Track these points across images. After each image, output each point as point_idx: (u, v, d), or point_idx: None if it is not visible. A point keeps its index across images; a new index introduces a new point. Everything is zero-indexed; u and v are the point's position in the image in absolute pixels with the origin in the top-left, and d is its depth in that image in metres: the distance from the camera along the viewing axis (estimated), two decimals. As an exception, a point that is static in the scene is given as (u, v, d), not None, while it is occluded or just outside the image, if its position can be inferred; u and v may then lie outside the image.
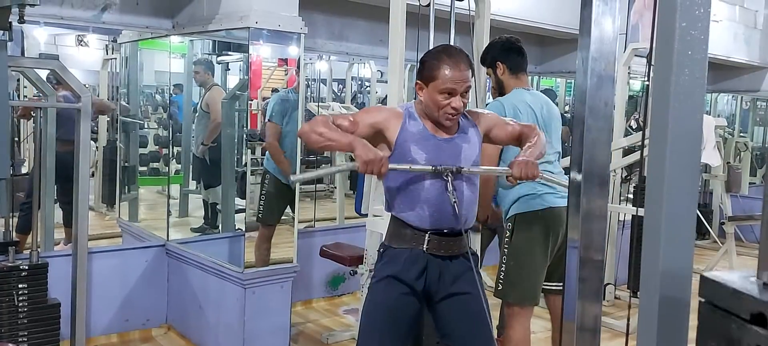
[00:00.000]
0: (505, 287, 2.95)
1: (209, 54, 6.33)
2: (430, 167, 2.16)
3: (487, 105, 3.22)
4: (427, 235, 2.23)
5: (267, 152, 4.41)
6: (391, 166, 2.11)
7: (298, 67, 3.93)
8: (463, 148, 2.25)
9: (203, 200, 6.04)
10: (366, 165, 2.05)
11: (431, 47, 3.09)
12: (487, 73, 3.19)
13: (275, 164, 4.27)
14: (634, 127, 7.92)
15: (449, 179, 2.15)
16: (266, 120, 4.30)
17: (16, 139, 6.27)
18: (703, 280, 0.85)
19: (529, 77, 3.59)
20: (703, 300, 0.86)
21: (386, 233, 2.34)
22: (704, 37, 0.90)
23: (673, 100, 0.90)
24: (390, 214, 2.33)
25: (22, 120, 6.23)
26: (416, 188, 2.21)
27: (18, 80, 6.23)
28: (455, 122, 2.25)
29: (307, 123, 2.23)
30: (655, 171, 0.95)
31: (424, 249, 2.23)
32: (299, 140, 3.84)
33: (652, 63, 1.01)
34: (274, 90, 7.04)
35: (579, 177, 1.28)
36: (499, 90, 3.09)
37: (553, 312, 3.14)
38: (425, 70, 2.20)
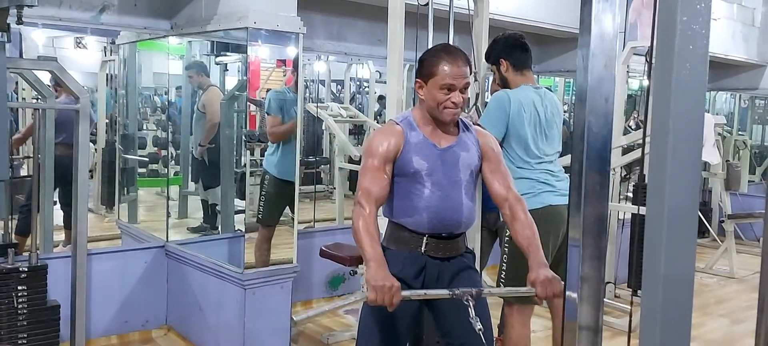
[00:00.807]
0: (505, 287, 2.94)
1: (207, 55, 6.32)
2: (447, 293, 2.03)
3: (488, 104, 3.21)
4: (424, 238, 2.24)
5: (267, 152, 4.42)
6: (403, 294, 1.98)
7: (297, 67, 3.93)
8: (461, 157, 2.26)
9: (202, 200, 6.04)
10: (375, 292, 1.94)
11: (430, 46, 3.09)
12: (491, 70, 3.18)
13: (275, 164, 4.26)
14: (632, 127, 7.91)
15: (470, 304, 2.00)
16: (266, 114, 4.34)
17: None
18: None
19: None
20: None
21: (384, 235, 2.35)
22: (705, 32, 0.89)
23: (674, 95, 0.90)
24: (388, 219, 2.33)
25: (20, 122, 6.24)
26: (416, 196, 2.22)
27: (16, 82, 6.23)
28: (455, 120, 2.26)
29: (354, 210, 2.16)
30: (656, 164, 0.94)
31: (423, 251, 2.24)
32: (298, 140, 3.86)
33: (653, 59, 1.01)
34: (269, 91, 7.03)
35: (579, 176, 1.27)
36: (504, 86, 3.08)
37: (554, 311, 3.14)
38: (424, 68, 2.22)
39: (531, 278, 2.07)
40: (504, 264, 2.96)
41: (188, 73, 5.75)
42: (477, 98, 3.34)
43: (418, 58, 2.37)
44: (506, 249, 2.96)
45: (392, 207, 2.28)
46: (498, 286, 2.99)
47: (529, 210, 2.87)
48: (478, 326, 1.97)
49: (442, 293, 2.04)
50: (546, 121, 2.99)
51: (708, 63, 0.93)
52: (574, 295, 1.28)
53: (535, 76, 6.85)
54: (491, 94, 3.25)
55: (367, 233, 2.08)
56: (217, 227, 5.77)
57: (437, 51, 2.24)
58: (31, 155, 4.84)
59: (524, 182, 2.88)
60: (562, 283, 2.01)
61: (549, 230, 2.88)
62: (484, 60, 3.24)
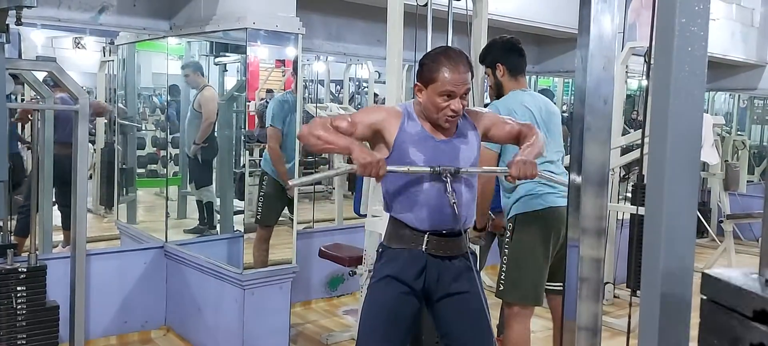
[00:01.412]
0: (506, 288, 2.94)
1: (206, 55, 6.32)
2: (429, 168, 2.15)
3: (486, 106, 3.21)
4: (426, 235, 2.23)
5: (265, 153, 4.41)
6: (389, 168, 2.10)
7: (296, 67, 3.93)
8: (461, 150, 2.24)
9: (197, 201, 6.03)
10: (364, 168, 2.05)
11: (429, 47, 3.09)
12: (485, 73, 3.17)
13: (274, 168, 4.26)
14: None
15: (448, 180, 2.14)
16: (267, 125, 4.26)
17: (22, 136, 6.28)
18: (705, 277, 0.85)
19: (527, 77, 3.59)
20: (705, 298, 0.85)
21: (385, 234, 2.34)
22: (704, 33, 0.89)
23: (673, 96, 0.90)
24: (388, 215, 2.32)
25: (19, 123, 6.23)
26: (415, 189, 2.21)
27: (22, 84, 6.22)
28: (454, 126, 2.25)
29: (306, 126, 2.22)
30: (655, 168, 0.95)
31: (423, 249, 2.23)
32: (297, 141, 3.85)
33: (651, 60, 1.01)
34: (269, 91, 7.03)
35: (578, 176, 1.27)
36: (497, 91, 3.07)
37: (554, 312, 3.14)
38: (424, 72, 2.19)
39: (509, 161, 2.21)
40: (504, 265, 2.96)
41: (184, 73, 5.74)
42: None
43: (416, 58, 2.37)
44: (506, 251, 2.96)
45: (392, 201, 2.27)
46: (498, 287, 2.98)
47: (532, 211, 2.88)
48: (453, 200, 2.14)
49: (424, 169, 2.16)
50: (542, 121, 2.99)
51: (706, 64, 0.93)
52: (574, 295, 1.28)
53: (535, 76, 6.90)
54: (488, 96, 3.25)
55: (333, 133, 2.14)
56: (212, 227, 5.77)
57: (438, 55, 2.20)
58: (31, 156, 4.84)
59: (526, 185, 2.87)
60: (536, 165, 2.17)
61: (550, 231, 2.88)
62: (479, 62, 3.24)
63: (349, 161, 2.15)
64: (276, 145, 4.18)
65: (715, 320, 0.83)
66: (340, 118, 2.22)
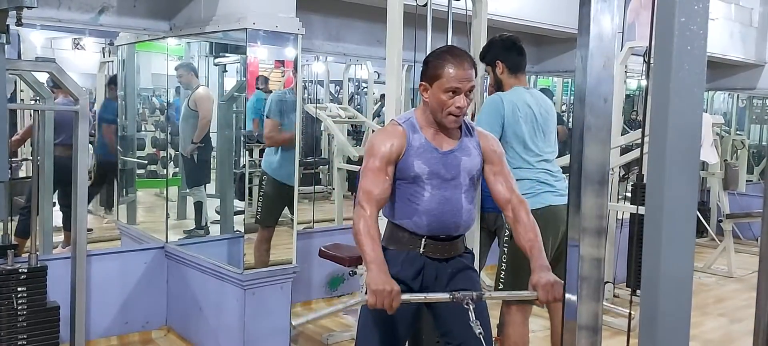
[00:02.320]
0: (504, 287, 2.95)
1: (206, 56, 6.32)
2: (449, 296, 2.03)
3: (482, 107, 3.21)
4: (423, 239, 2.24)
5: (265, 153, 4.41)
6: (403, 298, 1.99)
7: (296, 68, 3.94)
8: (462, 161, 2.25)
9: (193, 201, 6.03)
10: (375, 296, 1.95)
11: (428, 47, 3.10)
12: (486, 71, 3.19)
13: (274, 165, 4.26)
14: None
15: (470, 307, 2.01)
16: (265, 117, 4.30)
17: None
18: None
19: (527, 76, 3.60)
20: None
21: (383, 236, 2.35)
22: (703, 33, 0.90)
23: (672, 95, 0.90)
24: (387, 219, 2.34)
25: (18, 125, 6.24)
26: (416, 198, 2.22)
27: (15, 83, 6.22)
28: (458, 123, 2.25)
29: (356, 211, 2.15)
30: (655, 167, 0.95)
31: (421, 252, 2.25)
32: (297, 143, 3.86)
33: (651, 60, 1.01)
34: (268, 91, 7.04)
35: (578, 176, 1.28)
36: (498, 88, 3.09)
37: (552, 311, 3.14)
38: (429, 70, 2.20)
39: (533, 281, 2.06)
40: (503, 264, 2.96)
41: (177, 73, 5.73)
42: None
43: (416, 58, 2.37)
44: (505, 250, 2.96)
45: (393, 208, 2.28)
46: (497, 286, 2.99)
47: (530, 210, 2.88)
48: (479, 330, 1.98)
49: (443, 296, 2.04)
50: (542, 119, 3.00)
51: (706, 64, 0.93)
52: (574, 295, 1.28)
53: (534, 76, 6.91)
54: (488, 94, 3.26)
55: (368, 236, 2.08)
56: (200, 228, 5.76)
57: (442, 53, 2.21)
58: (30, 157, 4.85)
59: (524, 183, 2.88)
60: (563, 286, 2.03)
61: (548, 230, 2.89)
62: (479, 59, 3.25)
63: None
64: (274, 133, 4.20)
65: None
66: (373, 181, 2.15)
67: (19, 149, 6.30)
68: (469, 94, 2.18)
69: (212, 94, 5.91)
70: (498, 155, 2.33)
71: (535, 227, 2.22)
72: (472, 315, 1.99)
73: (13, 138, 5.43)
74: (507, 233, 2.97)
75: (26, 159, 6.29)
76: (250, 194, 5.11)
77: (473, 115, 3.27)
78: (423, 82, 2.23)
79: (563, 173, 3.10)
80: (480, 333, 2.00)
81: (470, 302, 1.99)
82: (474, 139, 2.31)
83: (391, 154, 2.19)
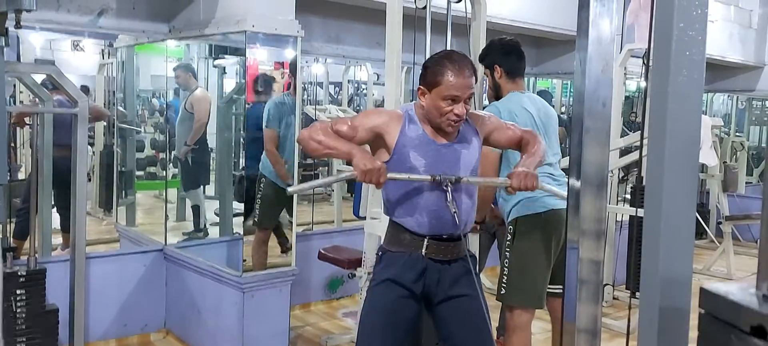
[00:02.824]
0: (508, 292, 2.93)
1: (205, 58, 6.33)
2: (429, 177, 2.14)
3: (484, 107, 3.21)
4: (425, 240, 2.23)
5: (263, 155, 4.41)
6: (389, 175, 2.09)
7: (295, 70, 3.93)
8: (462, 154, 2.24)
9: (191, 204, 6.03)
10: (364, 174, 2.04)
11: (428, 49, 3.10)
12: (484, 74, 3.18)
13: (272, 167, 4.26)
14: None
15: (449, 189, 2.13)
16: (264, 127, 4.26)
17: (13, 144, 6.26)
18: (703, 292, 0.85)
19: (526, 79, 3.59)
20: (703, 312, 0.86)
21: (384, 237, 2.34)
22: (702, 38, 0.90)
23: (671, 100, 0.90)
24: (388, 218, 2.32)
25: (17, 127, 6.23)
26: (415, 195, 2.21)
27: (14, 86, 6.22)
28: (457, 130, 2.23)
29: (306, 129, 2.21)
30: (653, 171, 0.95)
31: (423, 253, 2.23)
32: (297, 145, 3.85)
33: (650, 63, 1.01)
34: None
35: (577, 178, 1.28)
36: (496, 92, 3.08)
37: (554, 314, 3.13)
38: (428, 76, 2.18)
39: (510, 172, 2.20)
40: (506, 269, 2.95)
41: (175, 74, 5.73)
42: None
43: (415, 60, 2.37)
44: (508, 254, 2.95)
45: (392, 206, 2.27)
46: (499, 292, 2.97)
47: (532, 214, 2.88)
48: (454, 209, 2.14)
49: (425, 178, 2.15)
50: (541, 123, 2.99)
51: (705, 68, 0.94)
52: (573, 297, 1.28)
53: (533, 78, 6.90)
54: (487, 96, 3.25)
55: (331, 137, 2.13)
56: (198, 230, 5.76)
57: (442, 59, 2.18)
58: (30, 158, 4.84)
59: None
60: (536, 177, 2.16)
61: (551, 233, 2.88)
62: (478, 61, 3.25)
63: (350, 164, 2.14)
64: (273, 146, 4.17)
65: (713, 335, 0.83)
66: (341, 122, 2.22)
67: (18, 152, 6.30)
68: (469, 101, 2.17)
69: (210, 96, 5.90)
70: (495, 122, 2.39)
71: (540, 144, 2.32)
72: (449, 195, 2.14)
73: (12, 118, 5.41)
74: (508, 237, 2.95)
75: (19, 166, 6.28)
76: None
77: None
78: (421, 87, 2.21)
79: (565, 175, 3.09)
80: (455, 213, 2.14)
81: (449, 183, 2.14)
82: (471, 127, 2.30)
83: (376, 125, 2.21)
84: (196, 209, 5.86)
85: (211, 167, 6.13)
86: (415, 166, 2.18)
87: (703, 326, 0.86)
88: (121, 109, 5.72)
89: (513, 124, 2.45)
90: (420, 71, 2.27)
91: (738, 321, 0.79)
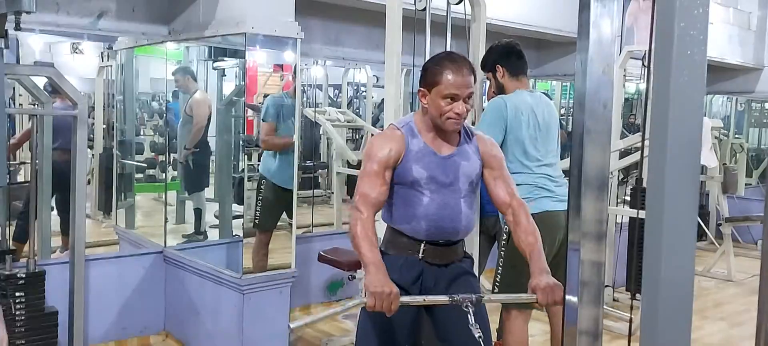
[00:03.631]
0: (501, 289, 2.95)
1: (205, 60, 6.33)
2: (447, 299, 2.04)
3: (485, 110, 3.21)
4: (422, 244, 2.24)
5: (263, 157, 4.41)
6: (402, 300, 1.98)
7: (295, 72, 3.94)
8: (461, 166, 2.25)
9: (193, 207, 6.03)
10: (374, 299, 1.94)
11: (427, 52, 3.10)
12: (486, 78, 3.19)
13: (272, 169, 4.26)
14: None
15: (470, 311, 2.02)
16: (261, 120, 4.31)
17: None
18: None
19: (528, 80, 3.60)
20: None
21: (382, 240, 2.35)
22: (703, 38, 0.90)
23: (672, 100, 0.90)
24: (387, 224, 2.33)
25: (17, 130, 6.23)
26: (415, 203, 2.22)
27: (13, 88, 6.22)
28: (457, 130, 2.25)
29: (352, 215, 2.16)
30: (655, 173, 0.95)
31: (420, 257, 2.24)
32: (296, 147, 3.86)
33: (650, 65, 1.01)
34: (265, 96, 7.05)
35: (578, 180, 1.27)
36: (500, 93, 3.10)
37: (552, 316, 3.14)
38: (428, 76, 2.20)
39: (532, 284, 2.06)
40: (500, 268, 2.96)
41: (175, 78, 5.73)
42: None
43: (415, 62, 2.37)
44: (502, 253, 2.96)
45: (391, 213, 2.28)
46: (493, 289, 2.98)
47: None
48: (478, 333, 1.99)
49: (442, 299, 2.04)
50: (544, 123, 3.00)
51: (706, 68, 0.93)
52: (574, 299, 1.28)
53: (533, 80, 6.91)
54: (488, 100, 3.26)
55: (365, 238, 2.08)
56: (199, 233, 5.75)
57: (441, 59, 2.21)
58: (28, 161, 4.83)
59: (523, 188, 2.88)
60: (563, 289, 2.03)
61: (545, 235, 2.87)
62: (480, 69, 3.26)
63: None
64: (269, 136, 4.22)
65: None
66: (370, 184, 2.16)
67: (17, 153, 6.30)
68: (468, 100, 2.19)
69: (209, 98, 5.90)
70: (497, 160, 2.33)
71: (535, 230, 2.22)
72: (471, 318, 2.00)
73: (10, 142, 5.43)
74: (504, 235, 2.96)
75: (24, 163, 6.28)
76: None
77: (473, 123, 3.27)
78: (422, 88, 2.23)
79: (565, 176, 3.09)
80: (480, 337, 2.01)
81: (470, 304, 2.00)
82: (473, 145, 2.31)
83: (389, 158, 2.19)
84: (198, 212, 5.86)
85: (211, 170, 6.13)
86: (417, 179, 2.20)
87: None
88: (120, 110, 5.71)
89: (511, 179, 2.36)
90: (420, 73, 2.28)
91: None
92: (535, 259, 2.15)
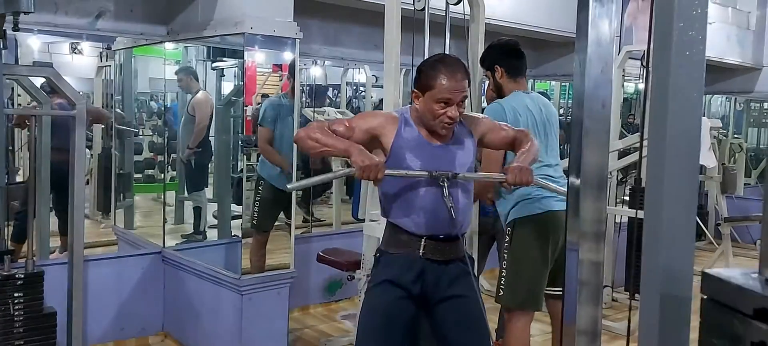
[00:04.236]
0: (505, 293, 2.93)
1: (204, 60, 6.32)
2: (426, 173, 2.16)
3: (483, 109, 3.21)
4: (422, 240, 2.24)
5: (261, 158, 4.40)
6: (387, 172, 2.10)
7: (293, 72, 3.93)
8: (457, 155, 2.26)
9: (194, 207, 6.03)
10: (362, 170, 2.05)
11: (426, 51, 3.10)
12: (485, 75, 3.19)
13: (270, 170, 4.26)
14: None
15: (445, 185, 2.15)
16: (257, 125, 4.30)
17: (11, 147, 6.24)
18: (706, 277, 0.85)
19: (527, 80, 3.60)
20: (705, 297, 0.86)
21: (382, 239, 2.35)
22: (702, 38, 0.90)
23: (671, 100, 0.90)
24: (386, 219, 2.33)
25: (16, 129, 6.22)
26: (412, 194, 2.22)
27: (12, 89, 6.21)
28: (450, 132, 2.25)
29: (303, 129, 2.23)
30: (654, 172, 0.95)
31: (421, 254, 2.24)
32: (295, 146, 3.85)
33: (649, 65, 1.01)
34: (264, 96, 7.04)
35: (577, 180, 1.27)
36: (498, 93, 3.08)
37: (554, 316, 3.13)
38: (422, 79, 2.21)
39: (505, 167, 2.24)
40: (504, 270, 2.95)
41: (178, 77, 5.74)
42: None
43: (414, 62, 2.37)
44: (506, 254, 2.95)
45: (389, 206, 2.27)
46: (498, 293, 2.97)
47: (530, 216, 2.88)
48: (449, 204, 2.14)
49: (422, 173, 2.16)
50: (542, 123, 2.99)
51: (705, 68, 0.93)
52: (573, 299, 1.28)
53: (532, 80, 6.91)
54: (487, 99, 3.25)
55: (330, 136, 2.15)
56: (198, 233, 5.75)
57: (435, 63, 2.21)
58: (27, 161, 4.82)
59: (525, 188, 2.87)
60: (532, 172, 2.18)
61: (549, 235, 2.87)
62: (479, 65, 3.25)
63: (348, 164, 2.14)
64: (265, 144, 4.21)
65: (716, 319, 0.83)
66: (338, 122, 2.24)
67: (16, 155, 6.28)
68: (462, 104, 2.20)
69: (212, 98, 5.90)
70: (489, 123, 2.41)
71: (533, 142, 2.33)
72: (445, 191, 2.15)
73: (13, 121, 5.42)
74: (507, 239, 2.95)
75: (21, 168, 6.27)
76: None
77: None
78: (415, 90, 2.23)
79: (565, 177, 3.09)
80: (451, 207, 2.14)
81: (446, 179, 2.15)
82: (465, 128, 2.32)
83: (372, 127, 2.24)
84: (198, 211, 5.86)
85: (210, 170, 6.13)
86: (411, 167, 2.20)
87: (705, 310, 0.86)
88: (119, 111, 5.71)
89: (506, 125, 2.48)
90: (414, 74, 2.30)
91: (741, 305, 0.79)
92: (520, 151, 2.29)
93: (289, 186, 2.38)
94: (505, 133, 2.41)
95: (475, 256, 3.18)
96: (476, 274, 2.88)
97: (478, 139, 2.35)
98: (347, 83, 9.29)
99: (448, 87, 2.14)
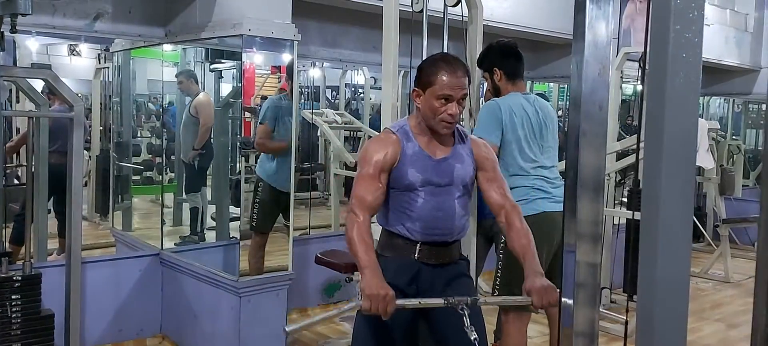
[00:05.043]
0: (500, 292, 2.94)
1: (202, 62, 6.32)
2: (442, 301, 2.04)
3: (479, 114, 3.21)
4: (418, 245, 2.24)
5: (260, 159, 4.41)
6: (398, 302, 1.98)
7: (291, 74, 3.94)
8: (455, 168, 2.26)
9: (189, 207, 6.02)
10: (369, 301, 1.94)
11: (424, 53, 3.10)
12: (483, 76, 3.19)
13: (269, 170, 4.26)
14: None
15: (465, 313, 2.02)
16: (258, 123, 4.32)
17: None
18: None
19: (525, 82, 3.60)
20: None
21: (378, 243, 2.34)
22: (698, 40, 0.90)
23: (668, 102, 0.90)
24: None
25: (15, 129, 6.22)
26: (409, 205, 2.22)
27: (10, 90, 6.20)
28: (451, 131, 2.25)
29: (351, 213, 2.15)
30: (651, 173, 0.95)
31: (416, 258, 2.24)
32: (293, 148, 3.86)
33: (646, 66, 1.01)
34: (263, 98, 7.04)
35: (574, 181, 1.27)
36: (496, 95, 3.09)
37: (551, 317, 3.14)
38: (423, 77, 2.21)
39: (526, 286, 2.06)
40: (499, 271, 2.96)
41: (178, 80, 5.74)
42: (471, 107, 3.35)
43: (412, 64, 2.37)
44: (501, 255, 2.96)
45: (386, 216, 2.28)
46: (493, 292, 2.98)
47: (524, 217, 2.88)
48: (473, 335, 1.99)
49: (437, 302, 2.04)
50: (538, 124, 2.99)
51: (701, 71, 0.93)
52: (570, 301, 1.28)
53: (530, 81, 6.91)
54: (485, 100, 3.26)
55: (361, 241, 2.08)
56: (195, 234, 5.75)
57: (436, 60, 2.22)
58: (25, 164, 4.82)
59: (519, 189, 2.88)
60: (558, 291, 1.97)
61: (543, 237, 2.87)
62: (477, 65, 3.25)
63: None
64: (264, 140, 4.24)
65: None
66: (366, 188, 2.17)
67: (13, 156, 6.28)
68: (462, 101, 2.20)
69: (212, 100, 5.91)
70: (491, 162, 2.33)
71: (528, 233, 2.23)
72: (466, 321, 2.00)
73: (7, 145, 5.41)
74: (502, 240, 2.96)
75: (21, 165, 6.27)
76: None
77: (472, 117, 3.27)
78: (416, 89, 2.24)
79: (561, 178, 3.09)
80: (475, 339, 2.00)
81: (465, 306, 2.00)
82: (467, 147, 2.31)
83: (385, 162, 2.20)
84: (196, 212, 5.85)
85: (209, 171, 6.13)
86: (412, 183, 2.20)
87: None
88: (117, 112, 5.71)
89: (504, 181, 2.37)
90: (415, 74, 2.29)
91: None
92: (528, 261, 2.15)
93: (287, 328, 2.28)
94: (498, 184, 2.31)
95: (473, 258, 3.18)
96: (474, 275, 2.88)
97: (477, 161, 2.31)
98: (346, 85, 9.30)
99: (449, 83, 2.15)
